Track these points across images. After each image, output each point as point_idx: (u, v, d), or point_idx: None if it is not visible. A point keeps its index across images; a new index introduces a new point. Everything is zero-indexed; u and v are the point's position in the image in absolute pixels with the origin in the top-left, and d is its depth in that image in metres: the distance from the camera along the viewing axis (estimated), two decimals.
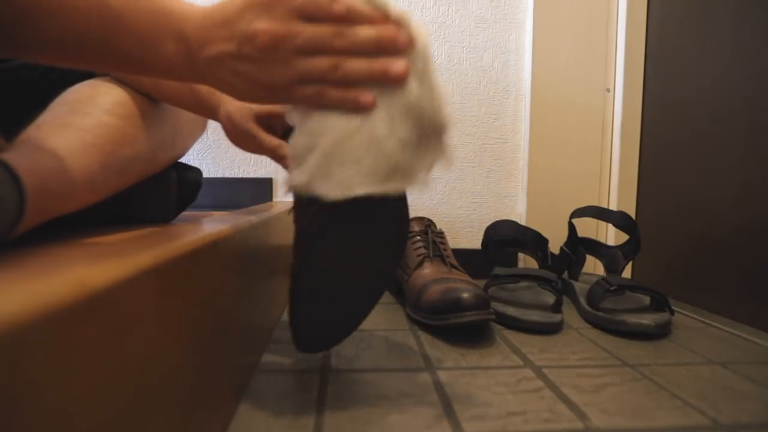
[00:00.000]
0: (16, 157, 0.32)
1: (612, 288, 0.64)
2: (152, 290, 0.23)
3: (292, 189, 0.33)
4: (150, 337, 0.22)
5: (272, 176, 0.96)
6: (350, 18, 0.30)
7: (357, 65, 0.30)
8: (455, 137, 0.96)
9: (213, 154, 0.95)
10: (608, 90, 0.94)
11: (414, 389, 0.43)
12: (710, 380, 0.47)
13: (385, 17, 0.30)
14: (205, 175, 0.61)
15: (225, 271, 0.37)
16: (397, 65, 0.30)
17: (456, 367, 0.49)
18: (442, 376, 0.47)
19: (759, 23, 0.65)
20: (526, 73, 0.95)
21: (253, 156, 0.95)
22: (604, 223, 0.94)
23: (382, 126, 0.31)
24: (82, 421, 0.17)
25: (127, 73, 0.34)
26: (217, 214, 0.62)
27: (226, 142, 0.61)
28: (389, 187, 0.31)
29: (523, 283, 0.76)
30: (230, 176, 0.95)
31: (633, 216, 0.87)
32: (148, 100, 0.45)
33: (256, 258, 0.49)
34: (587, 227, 0.92)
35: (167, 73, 0.33)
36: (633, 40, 0.90)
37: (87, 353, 0.17)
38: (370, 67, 0.30)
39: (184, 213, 0.57)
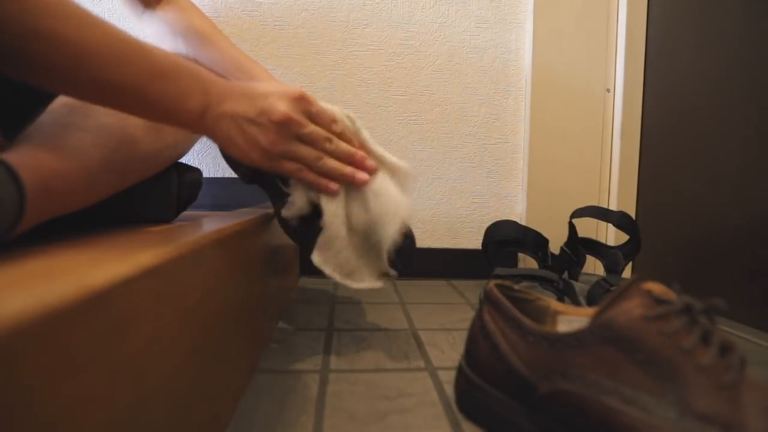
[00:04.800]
0: (16, 156, 0.32)
1: (612, 288, 0.64)
2: (152, 290, 0.23)
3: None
4: (150, 337, 0.22)
5: None
6: (340, 135, 0.45)
7: (333, 163, 0.44)
8: (455, 137, 0.96)
9: (213, 154, 0.95)
10: (608, 90, 0.94)
11: (414, 389, 0.43)
12: None
13: (361, 144, 0.48)
14: (205, 175, 0.61)
15: (225, 270, 0.37)
16: (361, 174, 0.45)
17: (456, 366, 0.49)
18: (442, 376, 0.47)
19: (759, 23, 0.65)
20: (526, 73, 0.95)
21: None
22: (604, 223, 0.94)
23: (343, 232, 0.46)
24: (82, 421, 0.17)
25: (150, 119, 0.39)
26: (217, 214, 0.62)
27: None
28: (348, 282, 0.47)
29: (524, 283, 0.76)
30: (230, 176, 0.95)
31: (633, 216, 0.87)
32: None
33: (256, 258, 0.49)
34: (587, 227, 0.92)
35: (185, 122, 0.38)
36: (633, 40, 0.90)
37: (87, 353, 0.17)
38: (342, 168, 0.45)
39: (184, 213, 0.57)
